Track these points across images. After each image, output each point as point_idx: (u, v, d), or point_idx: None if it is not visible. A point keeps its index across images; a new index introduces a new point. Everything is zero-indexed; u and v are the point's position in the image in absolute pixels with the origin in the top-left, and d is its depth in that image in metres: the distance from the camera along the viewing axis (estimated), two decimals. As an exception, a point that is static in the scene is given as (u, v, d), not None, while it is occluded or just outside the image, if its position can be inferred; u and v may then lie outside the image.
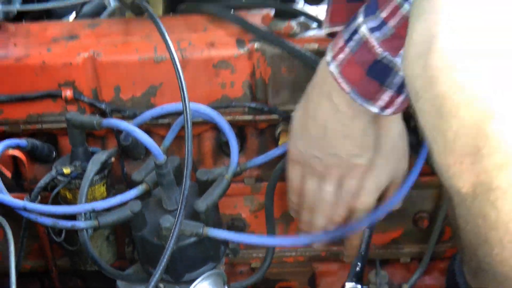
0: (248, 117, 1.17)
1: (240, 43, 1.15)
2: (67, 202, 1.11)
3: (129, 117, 1.13)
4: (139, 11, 1.18)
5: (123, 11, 1.38)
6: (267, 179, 1.18)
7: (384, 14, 0.92)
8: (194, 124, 1.11)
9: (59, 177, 1.07)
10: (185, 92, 1.02)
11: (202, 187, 1.07)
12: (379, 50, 0.93)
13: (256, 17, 1.18)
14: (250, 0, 1.27)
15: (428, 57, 0.68)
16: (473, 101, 0.64)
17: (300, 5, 1.19)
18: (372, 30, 0.93)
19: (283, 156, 1.16)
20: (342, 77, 0.96)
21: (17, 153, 1.16)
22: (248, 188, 1.22)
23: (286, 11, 1.16)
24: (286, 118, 1.17)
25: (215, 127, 1.15)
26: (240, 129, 1.19)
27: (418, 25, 0.71)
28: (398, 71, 0.94)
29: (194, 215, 1.03)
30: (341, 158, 1.07)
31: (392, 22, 0.92)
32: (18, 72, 1.14)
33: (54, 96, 1.15)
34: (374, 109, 0.98)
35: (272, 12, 1.17)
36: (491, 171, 0.64)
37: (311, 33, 1.17)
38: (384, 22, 0.92)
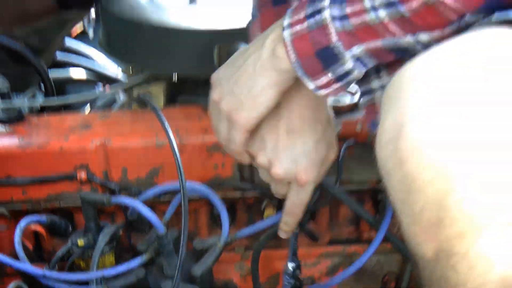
0: (238, 194, 1.17)
1: (230, 130, 1.15)
2: (81, 269, 1.11)
3: (135, 195, 1.14)
4: (144, 104, 1.22)
5: (130, 104, 1.37)
6: (255, 248, 1.17)
7: (348, 10, 0.87)
8: (191, 200, 1.11)
9: (74, 248, 1.08)
10: (182, 173, 1.04)
11: (198, 254, 1.08)
12: (334, 38, 0.88)
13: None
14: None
15: (397, 142, 0.69)
16: (436, 179, 0.65)
17: None
18: (334, 18, 0.88)
19: (268, 228, 1.15)
20: (292, 47, 0.90)
21: (38, 228, 1.16)
22: (239, 255, 1.21)
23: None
24: (270, 194, 1.13)
25: (209, 203, 1.14)
26: (231, 204, 1.19)
27: (389, 114, 0.72)
28: (344, 63, 0.90)
29: (191, 279, 1.04)
30: (232, 98, 0.98)
31: (353, 21, 0.87)
32: (39, 157, 1.15)
33: (70, 178, 1.15)
34: (311, 85, 0.91)
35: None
36: (452, 239, 0.65)
37: None
38: (346, 17, 0.87)
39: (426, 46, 0.81)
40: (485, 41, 0.74)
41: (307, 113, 1.00)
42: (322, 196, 1.13)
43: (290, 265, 1.11)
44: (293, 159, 1.00)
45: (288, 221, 1.07)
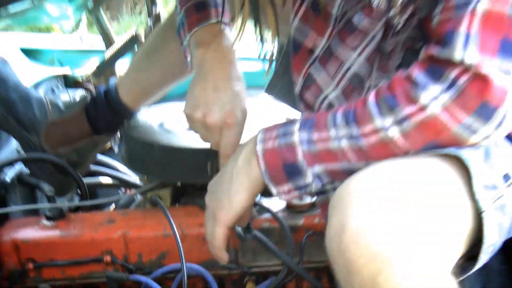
0: (225, 272, 1.20)
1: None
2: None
3: (148, 273, 1.17)
4: (155, 204, 1.23)
5: (145, 204, 1.38)
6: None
7: (315, 137, 0.85)
8: (190, 277, 1.13)
9: (101, 316, 1.11)
10: (183, 257, 1.08)
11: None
12: (300, 158, 0.86)
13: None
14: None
15: (341, 236, 0.70)
16: (369, 264, 0.68)
17: (257, 197, 1.19)
18: (302, 142, 0.85)
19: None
20: (263, 158, 0.88)
21: (73, 299, 1.18)
22: (227, 320, 1.22)
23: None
24: (250, 272, 1.19)
25: (204, 279, 1.16)
26: (220, 279, 1.20)
27: (334, 216, 0.73)
28: (305, 178, 0.87)
29: None
30: (215, 199, 0.94)
31: (318, 146, 0.85)
32: (76, 245, 1.19)
33: (98, 260, 1.18)
34: (274, 191, 0.89)
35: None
36: None
37: (265, 216, 1.20)
38: (312, 141, 0.85)
39: None
40: (406, 166, 0.77)
41: (227, 74, 1.01)
42: (289, 273, 1.14)
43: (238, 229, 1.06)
44: (221, 107, 0.99)
45: (225, 162, 1.03)
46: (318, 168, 0.86)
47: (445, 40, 0.76)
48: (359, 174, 0.75)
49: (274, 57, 1.03)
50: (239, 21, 0.96)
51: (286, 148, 0.86)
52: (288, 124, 0.88)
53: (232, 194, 0.91)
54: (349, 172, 0.83)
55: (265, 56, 1.03)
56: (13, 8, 1.02)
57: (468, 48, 0.74)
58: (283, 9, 1.02)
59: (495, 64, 0.74)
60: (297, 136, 0.85)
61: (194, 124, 1.02)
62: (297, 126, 0.86)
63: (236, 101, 1.00)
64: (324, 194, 0.99)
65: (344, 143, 0.82)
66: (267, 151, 0.87)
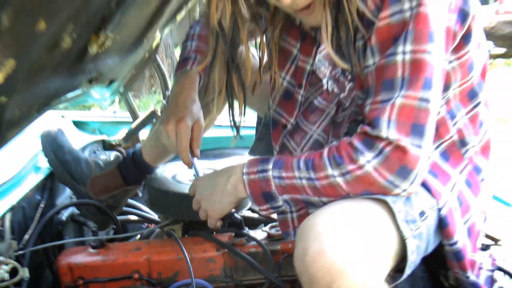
0: (223, 285, 1.26)
1: (218, 249, 1.25)
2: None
3: (166, 287, 1.23)
4: (170, 235, 1.30)
5: (163, 235, 1.40)
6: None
7: (284, 174, 0.90)
8: None
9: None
10: (192, 274, 1.15)
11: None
12: (273, 189, 0.92)
13: (225, 236, 1.27)
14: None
15: (304, 258, 0.77)
16: (326, 276, 0.75)
17: (246, 230, 1.28)
18: (274, 177, 0.91)
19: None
20: (248, 186, 0.95)
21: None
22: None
23: (239, 234, 1.27)
24: (242, 285, 1.26)
25: None
26: None
27: (300, 242, 0.80)
28: (277, 202, 0.93)
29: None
30: (209, 203, 1.02)
31: (287, 181, 0.89)
32: (112, 266, 1.25)
33: (129, 278, 1.24)
34: (256, 208, 0.97)
35: (233, 234, 1.27)
36: None
37: (252, 243, 1.24)
38: (282, 178, 0.90)
39: (325, 202, 0.89)
40: (351, 208, 0.84)
41: (185, 98, 1.08)
42: (270, 285, 1.19)
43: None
44: (175, 118, 1.05)
45: (183, 157, 1.10)
46: (286, 196, 0.94)
47: (374, 123, 0.88)
48: (318, 213, 0.82)
49: (241, 126, 1.14)
50: (217, 103, 1.09)
51: (264, 181, 0.95)
52: (265, 163, 0.96)
53: (223, 205, 1.04)
54: (307, 202, 0.93)
55: (234, 125, 1.13)
56: (69, 95, 1.16)
57: (390, 129, 0.86)
58: (255, 95, 1.15)
59: (408, 140, 0.85)
60: (271, 173, 0.94)
61: (162, 137, 1.10)
62: (270, 165, 0.95)
63: (187, 113, 1.07)
64: (283, 214, 1.06)
65: (304, 182, 0.90)
66: (250, 181, 0.96)
